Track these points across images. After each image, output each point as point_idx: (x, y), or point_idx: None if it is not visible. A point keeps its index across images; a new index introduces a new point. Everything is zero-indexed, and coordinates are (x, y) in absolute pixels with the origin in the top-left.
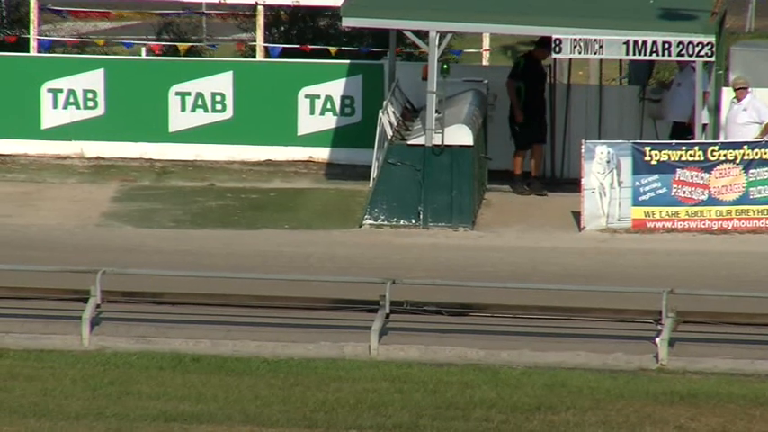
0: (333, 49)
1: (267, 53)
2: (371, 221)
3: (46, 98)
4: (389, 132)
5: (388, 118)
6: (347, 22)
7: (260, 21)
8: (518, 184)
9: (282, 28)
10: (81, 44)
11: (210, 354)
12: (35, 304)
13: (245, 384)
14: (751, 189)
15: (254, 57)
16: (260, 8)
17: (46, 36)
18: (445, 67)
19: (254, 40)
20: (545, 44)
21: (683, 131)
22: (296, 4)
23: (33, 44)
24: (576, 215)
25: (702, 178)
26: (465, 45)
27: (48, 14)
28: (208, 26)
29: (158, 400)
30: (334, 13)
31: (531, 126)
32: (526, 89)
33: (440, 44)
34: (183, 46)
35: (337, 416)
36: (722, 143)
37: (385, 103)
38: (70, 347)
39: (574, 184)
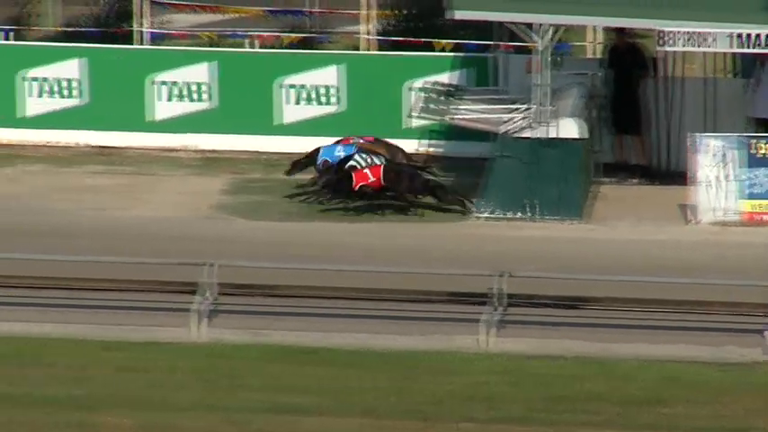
0: (442, 43)
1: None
2: (484, 214)
3: (153, 91)
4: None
5: None
6: (457, 15)
7: (369, 13)
8: (620, 172)
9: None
10: (190, 36)
11: (322, 346)
12: (146, 297)
13: (356, 376)
14: None
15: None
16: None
17: (155, 29)
18: (558, 59)
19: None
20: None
21: None
22: None
23: (146, 36)
24: (685, 208)
25: None
26: (572, 37)
27: (155, 7)
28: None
29: (269, 392)
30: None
31: (619, 114)
32: (614, 79)
33: (549, 37)
34: (291, 37)
35: (450, 408)
36: None
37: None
38: (182, 340)
39: (681, 177)
